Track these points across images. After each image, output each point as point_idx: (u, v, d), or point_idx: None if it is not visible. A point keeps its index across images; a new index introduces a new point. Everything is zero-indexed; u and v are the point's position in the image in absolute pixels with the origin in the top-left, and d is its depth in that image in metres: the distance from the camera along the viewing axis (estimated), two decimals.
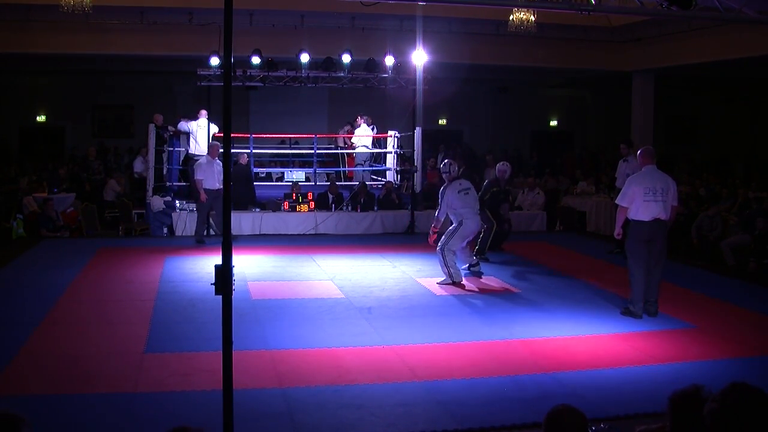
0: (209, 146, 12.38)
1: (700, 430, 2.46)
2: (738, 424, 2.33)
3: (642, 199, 7.59)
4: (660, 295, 7.87)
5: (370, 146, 16.69)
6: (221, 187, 11.83)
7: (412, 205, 14.00)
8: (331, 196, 14.18)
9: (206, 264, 9.73)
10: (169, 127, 14.53)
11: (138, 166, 15.84)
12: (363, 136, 16.44)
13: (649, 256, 7.70)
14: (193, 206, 13.31)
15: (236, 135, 15.79)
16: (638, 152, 8.11)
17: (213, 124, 13.58)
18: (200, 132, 14.01)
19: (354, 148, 16.57)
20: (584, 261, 11.53)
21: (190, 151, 14.36)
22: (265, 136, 17.46)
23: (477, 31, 16.25)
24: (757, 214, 11.38)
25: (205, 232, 12.36)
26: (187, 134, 14.35)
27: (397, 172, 16.40)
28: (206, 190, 11.95)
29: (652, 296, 7.80)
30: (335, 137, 17.99)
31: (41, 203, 13.15)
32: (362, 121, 16.50)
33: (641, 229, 7.66)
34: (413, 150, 14.94)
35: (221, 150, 13.16)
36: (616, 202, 7.99)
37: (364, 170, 16.39)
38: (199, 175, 12.06)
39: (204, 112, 14.11)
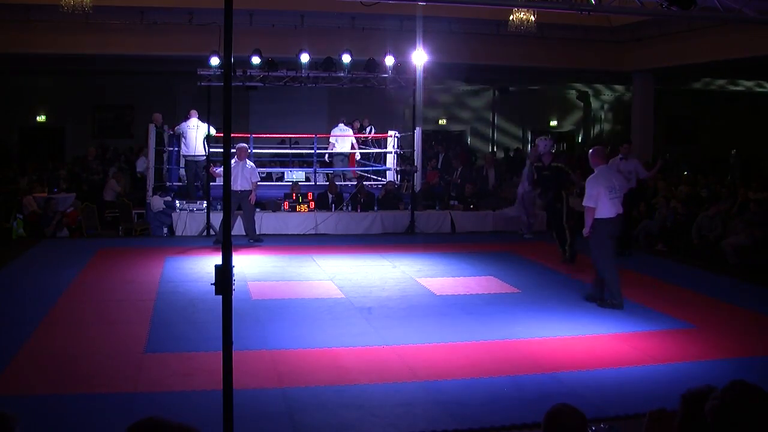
0: (237, 148, 12.36)
1: (708, 430, 2.46)
2: (738, 421, 2.34)
3: (608, 197, 8.05)
4: (658, 295, 7.94)
5: (349, 147, 16.69)
6: (247, 188, 11.99)
7: (412, 205, 14.00)
8: (331, 196, 14.18)
9: (206, 264, 9.73)
10: (166, 127, 14.58)
11: (141, 165, 15.84)
12: (339, 136, 16.39)
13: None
14: (193, 206, 13.32)
15: (236, 135, 15.81)
16: (589, 153, 8.49)
17: (206, 124, 13.55)
18: (190, 133, 14.02)
19: (332, 148, 16.53)
20: (584, 261, 11.51)
21: (182, 153, 14.37)
22: (265, 136, 17.46)
23: (477, 31, 16.25)
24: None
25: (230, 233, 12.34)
26: (183, 136, 14.36)
27: (397, 172, 16.41)
28: (232, 191, 11.96)
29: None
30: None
31: (44, 203, 13.16)
32: (341, 121, 16.50)
33: (610, 226, 8.13)
34: (413, 150, 14.95)
35: (249, 151, 13.34)
36: (584, 204, 8.24)
37: (335, 171, 16.29)
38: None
39: (194, 113, 14.12)
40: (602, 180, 8.13)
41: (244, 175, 12.01)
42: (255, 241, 12.19)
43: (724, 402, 2.38)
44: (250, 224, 12.31)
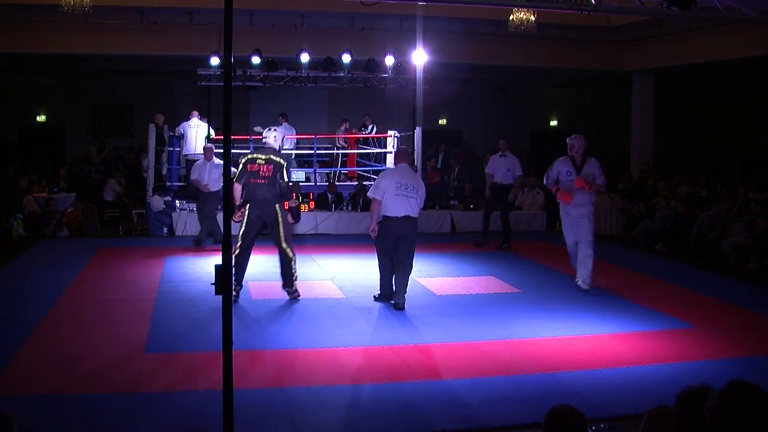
0: (204, 148, 12.26)
1: (706, 429, 2.47)
2: (737, 420, 2.34)
3: (393, 193, 7.76)
4: (658, 295, 7.87)
5: (291, 147, 16.70)
6: (215, 189, 11.71)
7: None
8: (330, 196, 14.18)
9: (206, 264, 9.73)
10: (166, 128, 14.63)
11: (146, 163, 15.85)
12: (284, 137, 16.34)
13: (397, 251, 7.92)
14: (193, 206, 13.31)
15: (236, 136, 15.80)
16: (394, 152, 8.53)
17: (206, 124, 13.57)
18: (190, 132, 14.05)
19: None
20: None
21: (183, 152, 14.38)
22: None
23: (477, 31, 16.24)
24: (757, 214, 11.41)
25: (207, 234, 12.02)
26: (183, 135, 14.40)
27: None
28: (200, 192, 11.90)
29: (401, 290, 7.94)
30: (334, 137, 18.01)
31: (44, 203, 13.17)
32: (282, 120, 16.46)
33: (392, 226, 7.83)
34: (413, 150, 14.94)
35: (216, 151, 13.17)
36: (368, 194, 8.12)
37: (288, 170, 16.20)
38: (193, 176, 12.05)
39: (195, 113, 14.13)
40: (394, 174, 7.97)
41: (212, 176, 11.75)
42: (217, 242, 11.69)
43: (723, 402, 2.38)
44: (213, 225, 11.99)
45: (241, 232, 8.15)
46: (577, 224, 9.01)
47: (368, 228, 8.12)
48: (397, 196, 7.76)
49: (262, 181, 8.13)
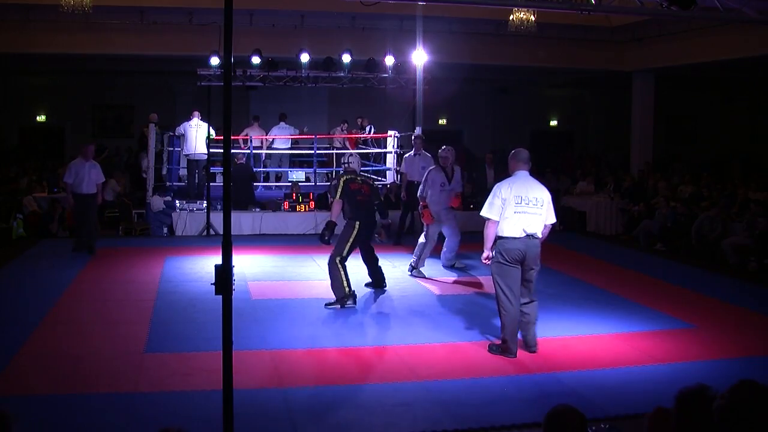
0: (84, 148, 11.50)
1: (706, 428, 2.47)
2: (746, 420, 2.35)
3: (513, 210, 6.31)
4: (658, 295, 7.85)
5: (288, 146, 16.75)
6: (93, 192, 11.16)
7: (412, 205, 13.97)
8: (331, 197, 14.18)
9: (206, 264, 9.74)
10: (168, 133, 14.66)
11: (145, 163, 15.87)
12: (279, 137, 16.46)
13: (521, 282, 6.43)
14: (193, 206, 13.32)
15: (236, 137, 15.83)
16: (510, 156, 6.67)
17: (206, 124, 13.59)
18: (191, 132, 14.07)
19: (270, 148, 16.62)
20: (584, 261, 11.54)
21: (184, 152, 14.40)
22: (264, 137, 17.47)
23: (477, 31, 16.25)
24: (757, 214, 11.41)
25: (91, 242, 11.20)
26: (183, 135, 14.41)
27: (397, 172, 16.40)
28: (77, 195, 11.11)
29: (531, 338, 6.52)
30: (333, 137, 18.02)
31: (49, 204, 13.17)
32: (281, 121, 16.58)
33: (513, 248, 6.32)
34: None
35: (215, 150, 13.12)
36: (481, 214, 6.57)
37: (280, 170, 16.33)
38: (67, 178, 11.20)
39: (197, 113, 14.16)
40: (512, 186, 6.36)
41: (90, 177, 11.17)
42: (75, 250, 11.18)
43: (732, 401, 2.38)
44: (81, 227, 11.38)
45: (348, 245, 8.26)
46: (444, 219, 10.22)
47: (484, 254, 6.58)
48: (518, 213, 6.30)
49: (366, 199, 8.47)
